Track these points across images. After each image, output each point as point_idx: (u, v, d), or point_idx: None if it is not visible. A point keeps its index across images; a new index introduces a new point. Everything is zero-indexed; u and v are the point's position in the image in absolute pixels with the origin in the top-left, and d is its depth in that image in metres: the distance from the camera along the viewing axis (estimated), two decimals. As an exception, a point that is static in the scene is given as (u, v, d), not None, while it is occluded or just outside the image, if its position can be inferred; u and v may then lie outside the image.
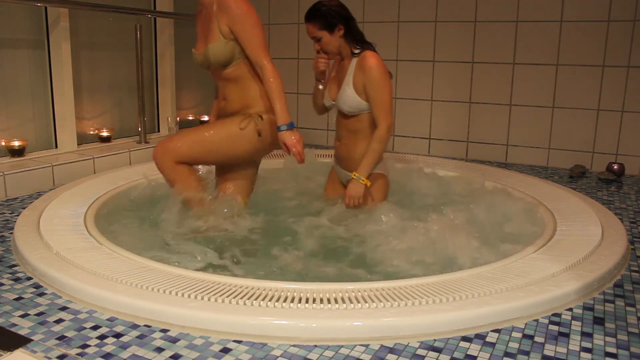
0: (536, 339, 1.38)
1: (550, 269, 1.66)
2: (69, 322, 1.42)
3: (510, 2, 3.48)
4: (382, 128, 2.30)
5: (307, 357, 1.28)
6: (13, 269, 1.76)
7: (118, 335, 1.36)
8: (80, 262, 1.66)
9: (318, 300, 1.43)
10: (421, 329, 1.38)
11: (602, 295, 1.64)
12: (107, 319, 1.44)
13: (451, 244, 1.99)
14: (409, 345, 1.34)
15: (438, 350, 1.32)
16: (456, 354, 1.30)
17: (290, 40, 4.20)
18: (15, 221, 2.12)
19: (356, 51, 2.35)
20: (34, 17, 2.98)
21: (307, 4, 2.37)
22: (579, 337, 1.39)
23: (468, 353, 1.31)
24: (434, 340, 1.36)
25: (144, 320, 1.42)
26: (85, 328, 1.39)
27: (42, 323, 1.41)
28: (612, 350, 1.34)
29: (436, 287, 1.52)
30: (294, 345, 1.32)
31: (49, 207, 2.21)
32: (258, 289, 1.49)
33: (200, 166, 2.48)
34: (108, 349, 1.29)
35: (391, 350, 1.31)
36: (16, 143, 2.85)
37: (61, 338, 1.34)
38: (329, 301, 1.43)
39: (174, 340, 1.34)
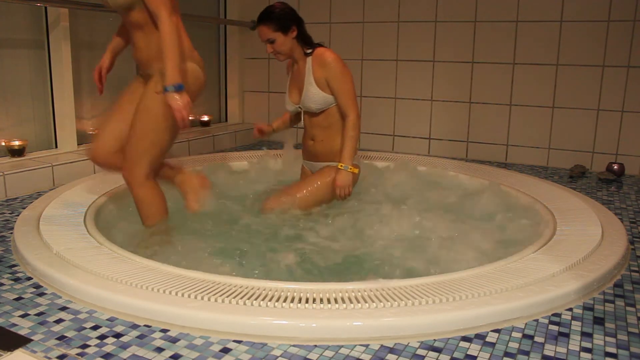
0: (536, 339, 1.38)
1: (550, 269, 1.66)
2: (69, 322, 1.42)
3: (510, 2, 3.48)
4: (351, 116, 2.41)
5: (307, 357, 1.28)
6: (13, 269, 1.76)
7: (118, 335, 1.36)
8: (80, 262, 1.66)
9: (318, 300, 1.43)
10: (421, 329, 1.38)
11: (602, 295, 1.64)
12: (107, 319, 1.43)
13: (451, 243, 2.00)
14: (409, 345, 1.34)
15: (438, 350, 1.32)
16: (456, 354, 1.30)
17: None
18: (15, 221, 2.11)
19: (308, 51, 2.44)
20: (34, 17, 2.98)
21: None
22: (579, 337, 1.39)
23: (468, 353, 1.31)
24: (434, 340, 1.36)
25: (144, 320, 1.42)
26: (85, 328, 1.39)
27: (42, 323, 1.41)
28: (612, 350, 1.34)
29: (436, 287, 1.52)
30: (294, 345, 1.32)
31: (49, 207, 2.21)
32: (258, 289, 1.49)
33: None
34: (108, 349, 1.29)
35: (391, 350, 1.31)
36: (16, 143, 2.85)
37: (61, 338, 1.34)
38: (329, 301, 1.43)
39: (174, 340, 1.34)
